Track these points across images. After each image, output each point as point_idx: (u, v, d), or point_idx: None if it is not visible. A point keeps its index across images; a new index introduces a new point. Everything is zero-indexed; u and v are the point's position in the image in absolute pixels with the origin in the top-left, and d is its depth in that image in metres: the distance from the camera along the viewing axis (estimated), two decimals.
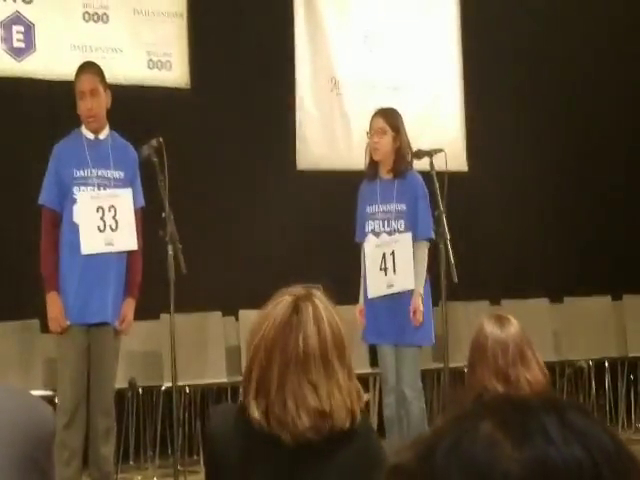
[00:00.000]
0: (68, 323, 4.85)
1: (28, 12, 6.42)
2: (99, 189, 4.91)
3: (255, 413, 2.06)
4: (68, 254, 4.87)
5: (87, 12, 6.60)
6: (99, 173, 4.94)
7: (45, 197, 4.93)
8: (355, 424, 2.09)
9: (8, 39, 6.36)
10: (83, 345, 4.86)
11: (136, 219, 4.99)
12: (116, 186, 4.95)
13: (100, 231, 4.88)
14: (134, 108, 6.47)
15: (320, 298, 2.14)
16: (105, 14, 6.65)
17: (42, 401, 2.29)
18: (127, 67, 6.70)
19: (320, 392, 2.04)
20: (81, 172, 4.91)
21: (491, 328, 2.89)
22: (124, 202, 4.94)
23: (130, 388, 5.38)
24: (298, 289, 2.17)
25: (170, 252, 4.79)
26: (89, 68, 5.09)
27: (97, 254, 4.86)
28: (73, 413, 4.73)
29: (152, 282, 5.78)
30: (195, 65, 6.91)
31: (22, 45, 6.41)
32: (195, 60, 6.91)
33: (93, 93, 4.96)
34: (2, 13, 6.34)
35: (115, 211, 4.91)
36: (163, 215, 4.80)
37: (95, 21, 6.63)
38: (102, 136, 5.02)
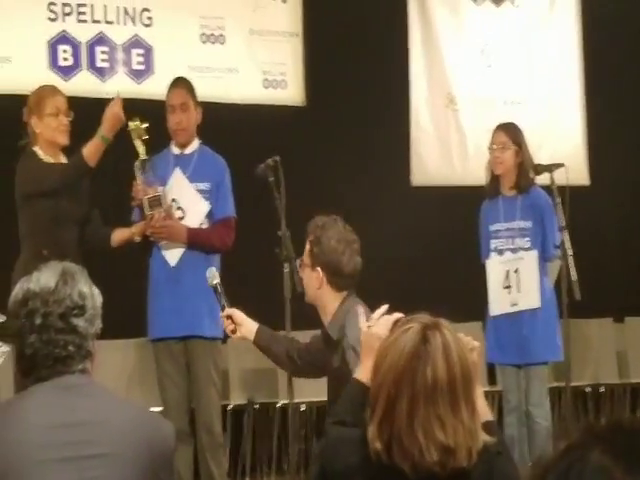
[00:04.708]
0: None
1: (147, 35, 6.57)
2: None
3: (376, 443, 2.02)
4: (161, 266, 4.98)
5: (204, 33, 6.72)
6: None
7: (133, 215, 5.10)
8: (471, 464, 2.05)
9: (128, 62, 6.52)
10: (180, 360, 4.92)
11: (226, 227, 5.06)
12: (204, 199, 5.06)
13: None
14: (250, 127, 6.55)
15: (448, 327, 2.09)
16: (222, 35, 6.75)
17: (162, 418, 2.32)
18: (243, 87, 6.78)
19: (446, 427, 2.01)
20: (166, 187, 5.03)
21: None
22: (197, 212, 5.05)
23: (248, 405, 5.43)
24: (424, 317, 2.13)
25: (286, 270, 4.80)
26: (180, 83, 5.20)
27: (187, 265, 4.93)
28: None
29: (268, 300, 5.79)
30: (310, 83, 6.95)
31: (142, 67, 6.56)
32: (310, 78, 6.95)
33: (183, 107, 5.07)
34: (123, 37, 6.50)
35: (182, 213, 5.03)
36: (279, 233, 4.82)
37: (212, 42, 6.74)
38: (188, 151, 5.12)
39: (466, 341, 2.23)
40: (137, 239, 4.96)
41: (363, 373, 2.37)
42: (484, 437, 2.09)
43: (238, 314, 3.87)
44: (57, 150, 4.86)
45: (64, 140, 4.84)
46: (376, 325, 2.43)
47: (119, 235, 4.97)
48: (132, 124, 4.88)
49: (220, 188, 5.08)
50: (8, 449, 1.98)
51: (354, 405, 2.35)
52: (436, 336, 2.05)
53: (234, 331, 3.87)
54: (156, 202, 4.90)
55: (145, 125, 4.93)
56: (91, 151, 4.68)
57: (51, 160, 4.82)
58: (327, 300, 3.76)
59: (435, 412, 2.00)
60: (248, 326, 3.87)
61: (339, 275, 3.71)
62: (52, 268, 2.13)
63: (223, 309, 3.89)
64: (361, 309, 3.55)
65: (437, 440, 2.00)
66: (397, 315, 2.41)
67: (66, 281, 2.10)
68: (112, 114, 4.75)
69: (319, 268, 3.73)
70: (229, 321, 3.85)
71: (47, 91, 4.90)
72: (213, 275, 4.00)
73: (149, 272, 5.04)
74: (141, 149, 4.93)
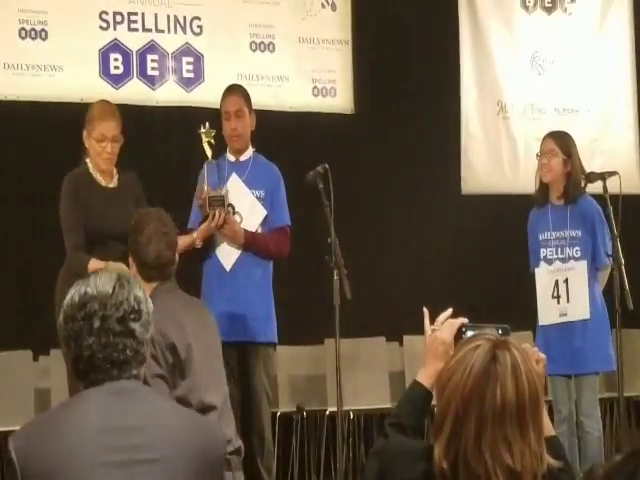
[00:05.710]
0: None
1: (197, 43, 6.61)
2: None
3: (443, 463, 2.00)
4: (216, 271, 4.99)
5: (254, 42, 6.75)
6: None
7: (190, 220, 5.13)
8: None
9: (178, 70, 6.57)
10: (233, 365, 4.89)
11: (282, 235, 5.07)
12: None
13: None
14: (300, 135, 6.56)
15: (517, 347, 2.06)
16: (271, 43, 6.78)
17: (212, 422, 2.32)
18: (293, 95, 6.80)
19: (513, 450, 1.98)
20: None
21: None
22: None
23: (297, 412, 5.43)
24: (492, 334, 2.10)
25: (335, 277, 4.79)
26: (235, 90, 5.22)
27: (241, 271, 4.94)
28: None
29: (317, 307, 5.81)
30: (359, 91, 6.94)
31: (191, 75, 6.60)
32: (359, 86, 6.94)
33: (238, 114, 5.09)
34: (173, 45, 6.55)
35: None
36: (329, 241, 4.81)
37: (262, 50, 6.76)
38: (243, 158, 5.14)
39: (532, 352, 2.20)
40: (198, 244, 4.97)
41: (425, 376, 2.34)
42: (549, 460, 2.05)
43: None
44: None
45: (105, 166, 4.77)
46: (440, 329, 2.40)
47: (181, 242, 4.98)
48: (203, 129, 4.97)
49: (275, 196, 5.09)
50: (61, 453, 1.99)
51: (415, 410, 2.33)
52: (506, 356, 2.02)
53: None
54: (218, 201, 4.95)
55: (214, 131, 5.00)
56: (92, 270, 4.54)
57: (99, 177, 4.81)
58: None
59: (502, 434, 1.98)
60: None
61: (143, 265, 3.76)
62: (107, 273, 2.14)
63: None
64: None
65: (504, 463, 1.97)
66: (461, 320, 2.38)
67: (122, 285, 2.11)
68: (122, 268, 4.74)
69: (131, 258, 3.83)
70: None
71: (98, 113, 4.77)
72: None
73: (203, 277, 5.05)
74: (209, 152, 5.00)
